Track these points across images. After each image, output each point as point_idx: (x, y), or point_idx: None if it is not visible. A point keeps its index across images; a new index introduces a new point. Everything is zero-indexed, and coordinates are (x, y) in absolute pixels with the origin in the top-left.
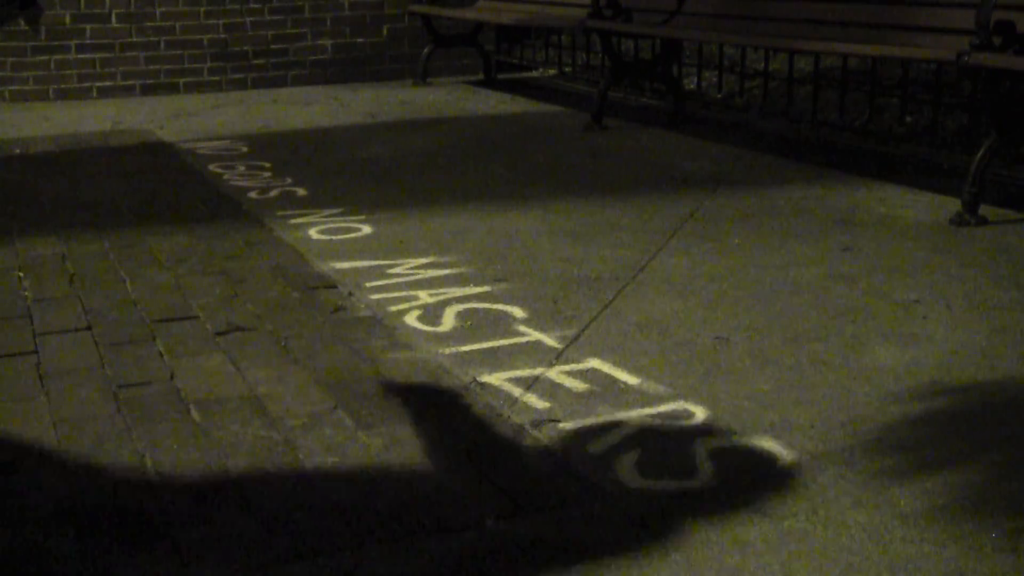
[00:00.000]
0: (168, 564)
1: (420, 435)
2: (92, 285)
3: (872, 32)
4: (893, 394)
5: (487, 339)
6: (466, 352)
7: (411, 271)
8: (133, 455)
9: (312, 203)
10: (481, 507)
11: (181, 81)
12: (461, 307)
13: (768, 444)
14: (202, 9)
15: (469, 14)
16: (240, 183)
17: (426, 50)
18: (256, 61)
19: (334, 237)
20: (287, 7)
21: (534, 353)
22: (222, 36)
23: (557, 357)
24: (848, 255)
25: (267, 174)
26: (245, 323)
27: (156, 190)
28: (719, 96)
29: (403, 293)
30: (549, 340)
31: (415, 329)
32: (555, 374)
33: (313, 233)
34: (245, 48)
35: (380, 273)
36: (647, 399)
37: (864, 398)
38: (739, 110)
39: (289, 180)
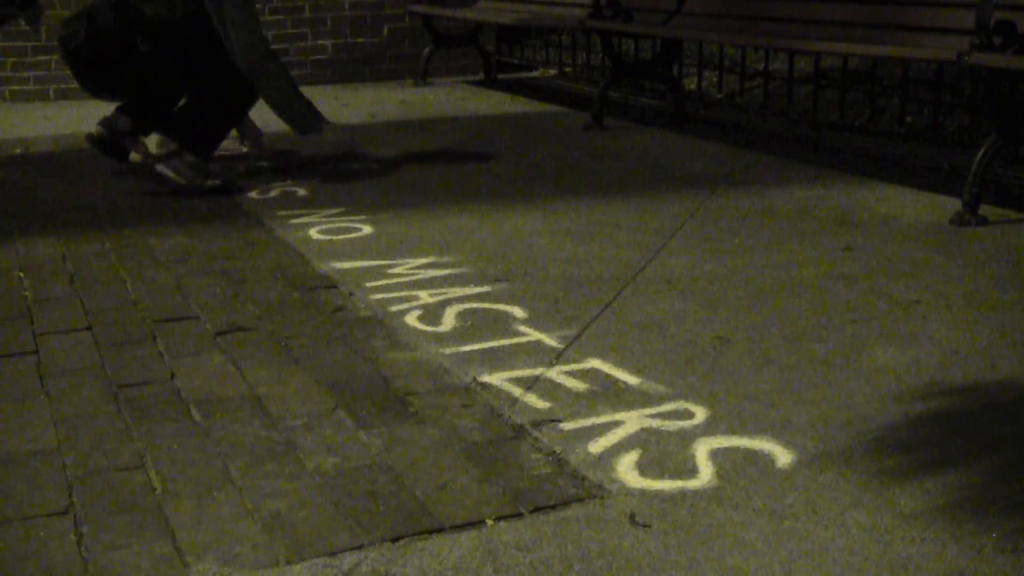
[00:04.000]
0: (168, 564)
1: (420, 435)
2: (92, 285)
3: (872, 32)
4: (893, 394)
5: (487, 339)
6: (466, 352)
7: (411, 271)
8: (133, 455)
9: (312, 203)
10: (481, 507)
11: None
12: (461, 307)
13: (768, 444)
14: None
15: (469, 14)
16: (240, 182)
17: (426, 50)
18: None
19: (334, 237)
20: (287, 7)
21: (534, 353)
22: None
23: (557, 357)
24: (848, 255)
25: (267, 174)
26: (245, 323)
27: (156, 190)
28: (719, 96)
29: (403, 293)
30: (549, 340)
31: (415, 329)
32: (555, 374)
33: (313, 233)
34: None
35: (380, 273)
36: (647, 399)
37: (864, 398)
38: (739, 110)
39: (289, 180)
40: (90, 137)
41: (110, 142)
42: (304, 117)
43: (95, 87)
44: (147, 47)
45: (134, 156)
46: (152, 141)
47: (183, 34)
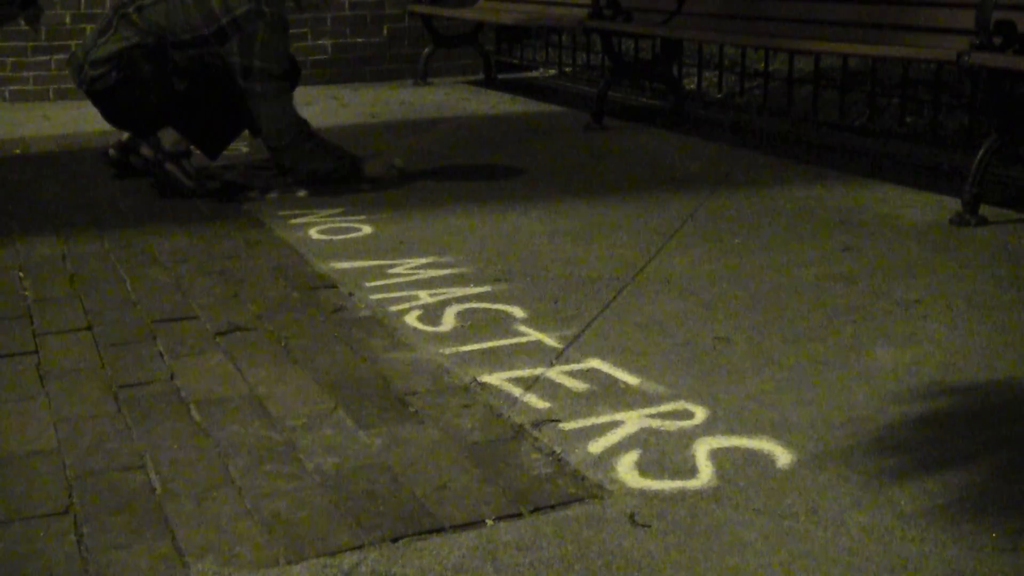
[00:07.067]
0: (168, 564)
1: (420, 435)
2: (92, 285)
3: (872, 32)
4: (893, 394)
5: (487, 339)
6: (466, 352)
7: (411, 271)
8: (133, 455)
9: (312, 203)
10: (481, 507)
11: None
12: (461, 307)
13: (768, 444)
14: None
15: (469, 14)
16: (240, 182)
17: (426, 50)
18: None
19: (334, 237)
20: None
21: (534, 353)
22: None
23: (557, 357)
24: (848, 255)
25: (267, 174)
26: (245, 323)
27: (156, 189)
28: (719, 96)
29: (403, 293)
30: (549, 340)
31: (415, 329)
32: (555, 374)
33: (313, 233)
34: None
35: (380, 273)
36: (647, 399)
37: (864, 398)
38: (739, 110)
39: (289, 180)
40: (105, 156)
41: (123, 164)
42: (335, 171)
43: (120, 122)
44: (183, 87)
45: (145, 151)
46: (168, 137)
47: (215, 72)
